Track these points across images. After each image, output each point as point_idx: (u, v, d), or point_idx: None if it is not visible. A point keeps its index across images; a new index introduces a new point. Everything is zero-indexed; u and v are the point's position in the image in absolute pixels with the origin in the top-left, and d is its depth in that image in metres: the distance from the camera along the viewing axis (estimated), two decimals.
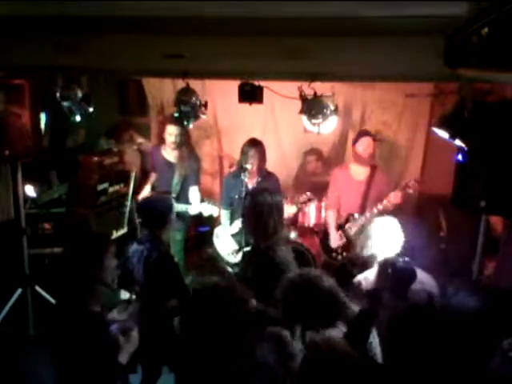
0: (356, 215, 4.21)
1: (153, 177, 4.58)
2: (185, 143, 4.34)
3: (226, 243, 4.25)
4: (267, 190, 2.95)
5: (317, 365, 1.44)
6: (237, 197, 4.04)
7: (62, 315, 2.21)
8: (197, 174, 4.50)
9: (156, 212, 3.02)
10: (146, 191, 4.52)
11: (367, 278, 2.59)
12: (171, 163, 4.40)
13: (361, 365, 1.47)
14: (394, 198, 4.02)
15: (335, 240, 4.29)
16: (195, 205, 4.28)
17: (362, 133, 4.36)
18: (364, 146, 4.20)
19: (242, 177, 3.98)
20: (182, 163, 4.35)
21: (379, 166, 4.42)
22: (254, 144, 4.02)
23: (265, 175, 4.10)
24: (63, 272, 2.27)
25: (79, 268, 2.19)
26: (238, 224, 3.98)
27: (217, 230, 4.37)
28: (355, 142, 4.29)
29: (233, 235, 4.16)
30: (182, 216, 4.30)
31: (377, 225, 2.88)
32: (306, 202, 4.25)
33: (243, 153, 4.00)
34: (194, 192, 4.39)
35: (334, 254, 4.33)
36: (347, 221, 4.26)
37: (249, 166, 3.94)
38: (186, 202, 4.34)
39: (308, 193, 4.34)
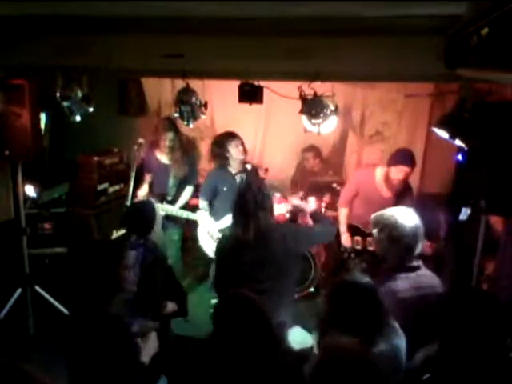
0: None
1: (148, 177, 4.55)
2: (179, 147, 4.31)
3: (207, 237, 4.24)
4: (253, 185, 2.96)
5: (330, 367, 1.43)
6: (225, 189, 4.09)
7: (83, 320, 2.21)
8: (193, 175, 4.49)
9: (139, 218, 2.97)
10: (143, 191, 4.48)
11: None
12: (166, 165, 4.38)
13: (375, 367, 1.45)
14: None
15: (344, 240, 4.19)
16: (180, 204, 4.32)
17: (401, 160, 3.82)
18: (399, 173, 3.82)
19: (230, 169, 4.10)
20: (177, 166, 4.33)
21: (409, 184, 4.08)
22: (236, 136, 4.11)
23: (246, 167, 4.16)
24: (80, 281, 2.28)
25: (96, 278, 2.22)
26: (227, 220, 3.94)
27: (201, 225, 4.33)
28: (394, 163, 3.84)
29: (220, 230, 4.14)
30: (178, 217, 4.31)
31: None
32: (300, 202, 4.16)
33: (230, 145, 4.05)
34: (187, 191, 4.41)
35: (346, 255, 4.22)
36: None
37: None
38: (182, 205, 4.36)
39: (301, 192, 4.27)
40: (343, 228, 4.21)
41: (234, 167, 4.16)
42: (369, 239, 4.06)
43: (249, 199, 2.74)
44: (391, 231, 2.48)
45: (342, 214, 4.23)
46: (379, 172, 4.02)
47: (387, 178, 3.92)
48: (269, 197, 2.85)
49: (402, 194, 3.96)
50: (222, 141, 4.14)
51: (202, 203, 4.27)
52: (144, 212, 3.00)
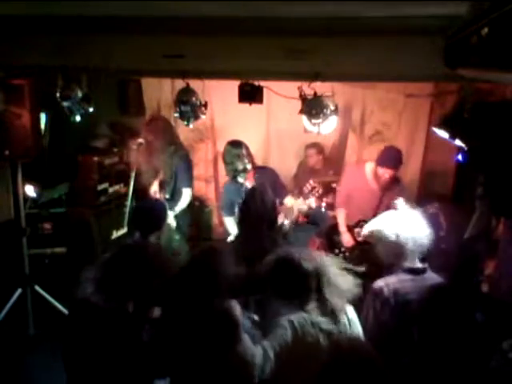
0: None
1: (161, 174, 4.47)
2: (171, 148, 4.25)
3: None
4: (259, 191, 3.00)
5: (338, 366, 1.43)
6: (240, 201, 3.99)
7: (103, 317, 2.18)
8: (187, 174, 4.33)
9: (149, 217, 2.97)
10: (155, 186, 4.44)
11: (389, 284, 2.40)
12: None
13: (383, 365, 1.45)
14: None
15: (346, 241, 4.22)
16: (180, 206, 4.21)
17: (384, 162, 4.01)
18: (384, 174, 4.01)
19: (241, 179, 3.92)
20: (166, 168, 4.28)
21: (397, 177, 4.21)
22: (241, 144, 3.95)
23: (259, 170, 4.04)
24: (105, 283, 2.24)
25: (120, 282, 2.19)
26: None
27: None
28: (379, 164, 4.02)
29: None
30: (179, 215, 4.25)
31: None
32: (311, 190, 4.10)
33: (235, 155, 3.88)
34: (186, 194, 4.27)
35: (336, 251, 4.27)
36: (357, 225, 4.15)
37: (249, 166, 3.91)
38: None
39: (311, 181, 4.18)
40: (343, 228, 4.22)
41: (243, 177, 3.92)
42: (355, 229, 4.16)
43: (252, 211, 2.75)
44: (387, 241, 2.47)
45: (341, 214, 4.25)
46: (369, 167, 4.17)
47: (376, 174, 4.08)
48: (273, 209, 2.84)
49: (388, 188, 4.09)
50: (226, 151, 3.97)
51: (228, 220, 4.06)
52: (155, 211, 3.00)
